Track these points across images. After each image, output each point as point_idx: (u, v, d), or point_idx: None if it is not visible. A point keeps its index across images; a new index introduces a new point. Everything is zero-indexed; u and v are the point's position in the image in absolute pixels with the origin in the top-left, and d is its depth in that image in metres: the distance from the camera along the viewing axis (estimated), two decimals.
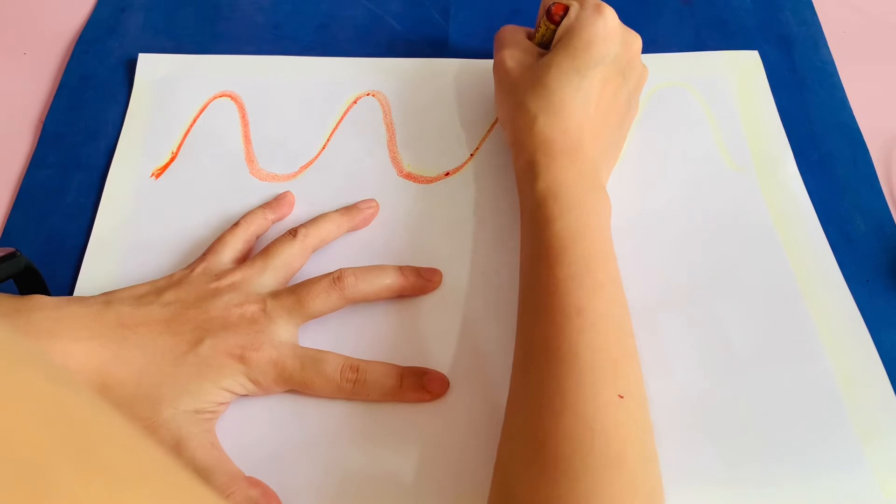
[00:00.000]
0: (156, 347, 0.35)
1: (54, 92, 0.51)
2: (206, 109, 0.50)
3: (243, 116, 0.49)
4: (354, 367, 0.37)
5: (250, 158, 0.48)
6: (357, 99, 0.50)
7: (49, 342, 0.34)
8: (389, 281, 0.40)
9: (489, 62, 0.52)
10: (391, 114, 0.50)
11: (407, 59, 0.52)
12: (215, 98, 0.50)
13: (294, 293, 0.38)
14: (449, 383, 0.38)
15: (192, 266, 0.40)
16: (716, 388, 0.38)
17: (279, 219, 0.44)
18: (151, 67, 0.52)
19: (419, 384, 0.37)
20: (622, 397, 0.32)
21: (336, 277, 0.39)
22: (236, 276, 0.39)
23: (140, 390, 0.35)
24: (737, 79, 0.51)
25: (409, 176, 0.47)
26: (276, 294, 0.38)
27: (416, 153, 0.48)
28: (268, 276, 0.39)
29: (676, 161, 0.47)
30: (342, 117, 0.50)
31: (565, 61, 0.41)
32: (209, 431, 0.35)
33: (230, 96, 0.50)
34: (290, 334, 0.38)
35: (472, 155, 0.48)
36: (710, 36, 0.54)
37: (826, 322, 0.40)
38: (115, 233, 0.44)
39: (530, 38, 0.45)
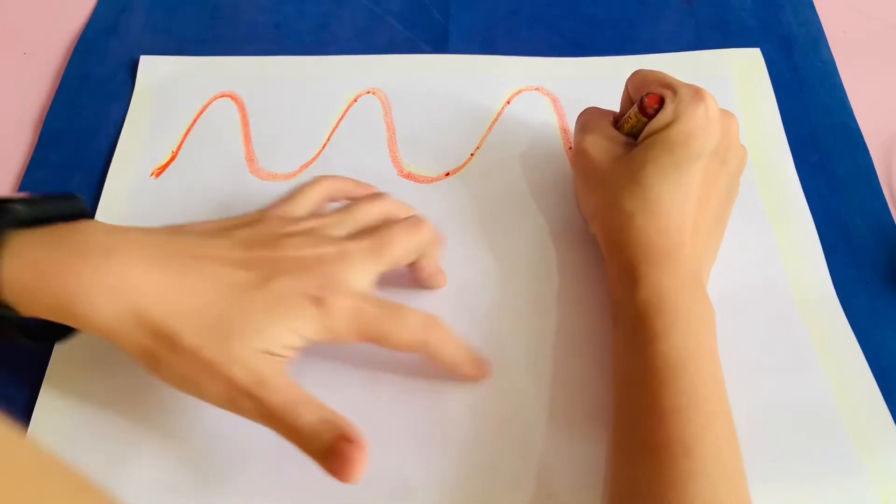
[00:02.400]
0: (225, 281, 0.33)
1: (54, 92, 0.51)
2: (206, 109, 0.50)
3: (243, 116, 0.50)
4: (435, 323, 0.36)
5: (250, 158, 0.48)
6: (357, 97, 0.50)
7: (102, 262, 0.31)
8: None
9: (490, 58, 0.52)
10: (391, 112, 0.50)
11: (406, 56, 0.52)
12: (216, 98, 0.50)
13: (374, 234, 0.36)
14: (490, 367, 0.39)
15: (264, 211, 0.38)
16: None
17: (353, 197, 0.41)
18: (152, 69, 0.52)
19: (479, 366, 0.38)
20: None
21: (415, 219, 0.38)
22: (313, 223, 0.36)
23: (207, 320, 0.32)
24: (738, 77, 0.51)
25: (409, 176, 0.47)
26: (355, 237, 0.36)
27: (417, 153, 0.48)
28: (345, 227, 0.37)
29: None
30: (342, 116, 0.50)
31: (662, 156, 0.37)
32: (282, 372, 0.33)
33: (230, 96, 0.50)
34: (367, 282, 0.35)
35: (472, 154, 0.48)
36: (710, 36, 0.54)
37: (817, 329, 0.40)
38: None
39: (616, 124, 0.42)
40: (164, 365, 0.32)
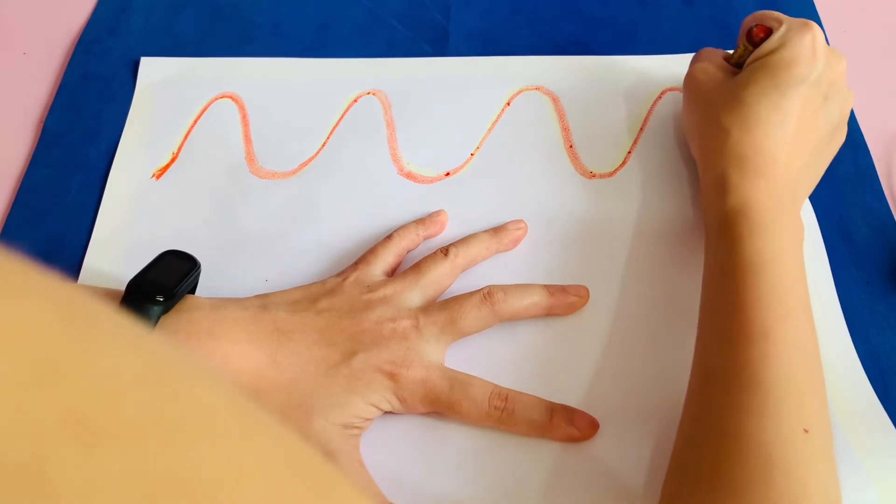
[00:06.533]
0: (310, 356, 0.36)
1: (54, 92, 0.51)
2: (206, 111, 0.50)
3: (244, 117, 0.50)
4: (503, 396, 0.36)
5: (250, 158, 0.48)
6: (357, 98, 0.50)
7: (208, 342, 0.34)
8: (538, 298, 0.39)
9: (490, 59, 0.52)
10: (391, 111, 0.50)
11: (407, 59, 0.52)
12: (216, 99, 0.50)
13: (446, 309, 0.38)
14: (598, 427, 0.37)
15: (343, 274, 0.40)
16: None
17: (431, 236, 0.44)
18: (153, 71, 0.52)
19: (570, 421, 0.36)
20: (807, 432, 0.30)
21: (486, 294, 0.38)
22: (388, 290, 0.38)
23: (293, 398, 0.35)
24: None
25: (409, 175, 0.47)
26: (426, 310, 0.38)
27: (417, 152, 0.48)
28: (417, 293, 0.39)
29: (680, 166, 0.47)
30: (342, 115, 0.50)
31: (764, 78, 0.39)
32: (356, 449, 0.35)
33: (231, 97, 0.50)
34: (438, 353, 0.38)
35: (472, 154, 0.48)
36: (710, 36, 0.54)
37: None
38: (116, 233, 0.44)
39: (727, 59, 0.44)
40: None
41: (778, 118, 0.38)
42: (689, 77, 0.44)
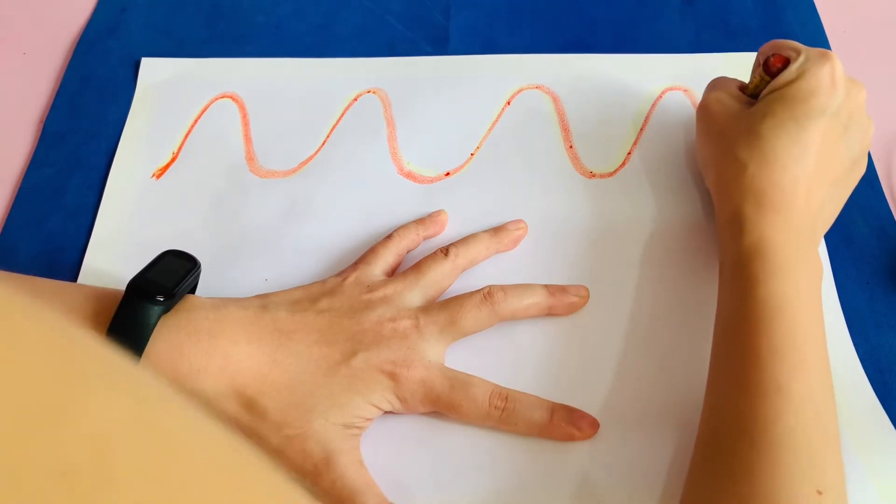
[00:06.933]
0: (310, 356, 0.36)
1: (54, 92, 0.51)
2: (207, 110, 0.50)
3: (244, 116, 0.50)
4: (504, 396, 0.36)
5: (250, 157, 0.48)
6: (358, 96, 0.50)
7: (208, 342, 0.34)
8: (538, 298, 0.39)
9: (490, 58, 0.52)
10: (391, 110, 0.50)
11: (408, 58, 0.52)
12: (216, 99, 0.50)
13: (446, 309, 0.38)
14: (598, 426, 0.37)
15: (343, 274, 0.40)
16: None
17: (431, 236, 0.44)
18: (153, 71, 0.52)
19: (570, 421, 0.36)
20: (821, 493, 0.29)
21: (486, 294, 0.38)
22: (388, 290, 0.38)
23: (293, 398, 0.35)
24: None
25: (409, 175, 0.47)
26: (427, 309, 0.38)
27: (417, 152, 0.48)
28: (418, 293, 0.39)
29: (680, 166, 0.47)
30: (342, 114, 0.50)
31: (782, 110, 0.37)
32: (356, 448, 0.35)
33: (231, 97, 0.50)
34: (439, 353, 0.38)
35: (472, 154, 0.48)
36: (710, 36, 0.54)
37: None
38: (116, 233, 0.44)
39: (742, 88, 0.43)
40: (254, 436, 0.34)
41: (797, 152, 0.37)
42: (703, 107, 0.42)
